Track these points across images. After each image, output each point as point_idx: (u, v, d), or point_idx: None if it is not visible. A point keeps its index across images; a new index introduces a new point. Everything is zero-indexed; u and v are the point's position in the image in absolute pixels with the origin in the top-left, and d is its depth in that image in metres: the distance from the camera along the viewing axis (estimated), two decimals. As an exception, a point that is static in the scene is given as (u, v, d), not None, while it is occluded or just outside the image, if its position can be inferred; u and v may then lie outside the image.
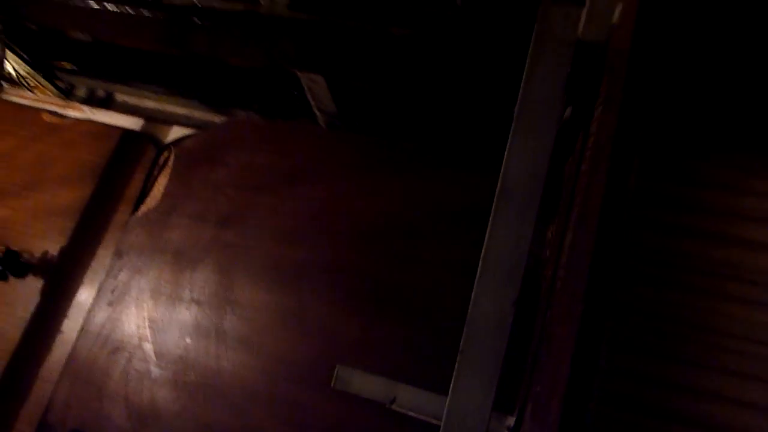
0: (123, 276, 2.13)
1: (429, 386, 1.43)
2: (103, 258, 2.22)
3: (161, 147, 2.37)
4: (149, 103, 2.61)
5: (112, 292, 2.12)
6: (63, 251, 2.25)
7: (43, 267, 2.23)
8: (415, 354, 1.78)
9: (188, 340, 1.97)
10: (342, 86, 2.02)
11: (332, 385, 1.54)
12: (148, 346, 2.01)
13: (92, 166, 2.35)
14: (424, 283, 1.85)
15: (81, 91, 2.72)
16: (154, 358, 1.99)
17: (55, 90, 2.65)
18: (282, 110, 2.37)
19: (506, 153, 1.26)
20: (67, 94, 2.71)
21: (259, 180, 2.13)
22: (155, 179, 2.29)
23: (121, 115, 2.54)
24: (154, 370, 1.97)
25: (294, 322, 1.90)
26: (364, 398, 1.52)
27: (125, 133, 2.42)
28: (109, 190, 2.32)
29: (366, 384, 1.51)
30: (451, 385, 1.19)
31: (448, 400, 1.18)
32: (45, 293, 2.20)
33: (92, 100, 2.70)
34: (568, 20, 1.28)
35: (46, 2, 1.97)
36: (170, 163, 2.30)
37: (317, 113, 2.20)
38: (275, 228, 2.04)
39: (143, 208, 2.23)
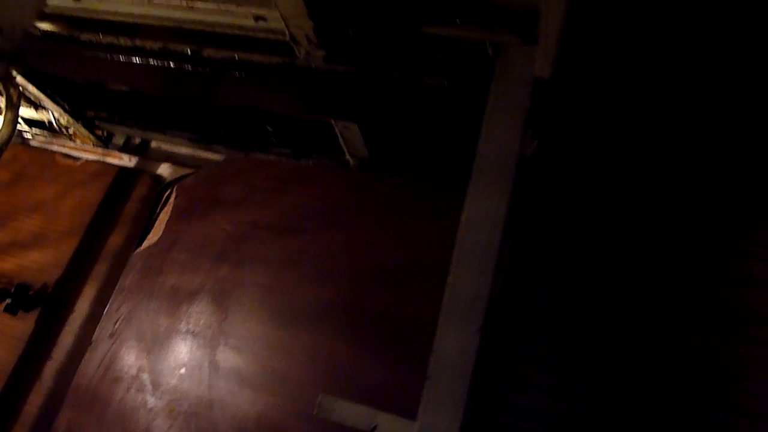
0: (125, 308, 2.25)
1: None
2: (100, 290, 2.35)
3: (164, 185, 2.50)
4: (183, 150, 2.74)
5: (115, 323, 2.23)
6: (58, 283, 2.39)
7: (39, 298, 2.37)
8: (405, 384, 1.81)
9: (183, 371, 2.06)
10: (375, 132, 2.10)
11: (315, 413, 1.55)
12: (145, 377, 2.10)
13: (95, 203, 2.52)
14: (414, 316, 1.90)
15: (119, 139, 2.90)
16: (151, 388, 2.07)
17: (94, 138, 2.83)
18: (313, 154, 2.47)
19: (469, 186, 1.33)
20: (106, 142, 2.89)
21: (253, 215, 2.24)
22: (157, 216, 2.41)
23: (154, 161, 2.68)
24: (150, 400, 2.05)
25: (283, 353, 1.97)
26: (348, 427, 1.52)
27: (131, 172, 2.58)
28: (112, 225, 2.47)
29: (348, 412, 1.52)
30: (419, 412, 1.22)
31: (416, 426, 1.19)
32: (39, 322, 2.33)
33: (129, 148, 2.87)
34: (525, 59, 1.35)
35: (91, 59, 2.11)
36: (172, 200, 2.42)
37: (349, 159, 2.29)
38: (267, 261, 2.14)
39: (146, 244, 2.35)
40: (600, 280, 1.54)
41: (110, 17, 1.92)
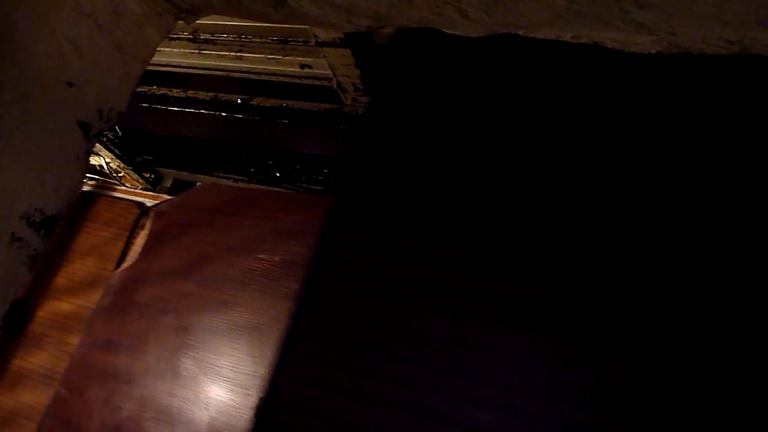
0: (102, 324, 2.34)
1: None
2: (75, 308, 2.49)
3: (141, 211, 2.63)
4: (225, 190, 2.81)
5: (94, 337, 2.32)
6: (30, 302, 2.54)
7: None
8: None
9: (149, 380, 2.17)
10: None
11: (254, 415, 1.60)
12: (118, 386, 2.19)
13: (74, 228, 2.66)
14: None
15: (167, 182, 3.00)
16: (123, 396, 2.16)
17: (143, 181, 2.93)
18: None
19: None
20: (154, 184, 2.99)
21: (217, 236, 2.35)
22: (134, 239, 2.55)
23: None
24: (121, 407, 2.15)
25: (236, 362, 2.07)
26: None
27: (115, 201, 2.74)
28: (91, 248, 2.64)
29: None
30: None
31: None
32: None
33: (175, 190, 2.96)
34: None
35: (145, 109, 2.19)
36: (148, 224, 2.53)
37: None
38: (224, 279, 2.24)
39: (124, 265, 2.49)
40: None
41: (163, 69, 1.99)
